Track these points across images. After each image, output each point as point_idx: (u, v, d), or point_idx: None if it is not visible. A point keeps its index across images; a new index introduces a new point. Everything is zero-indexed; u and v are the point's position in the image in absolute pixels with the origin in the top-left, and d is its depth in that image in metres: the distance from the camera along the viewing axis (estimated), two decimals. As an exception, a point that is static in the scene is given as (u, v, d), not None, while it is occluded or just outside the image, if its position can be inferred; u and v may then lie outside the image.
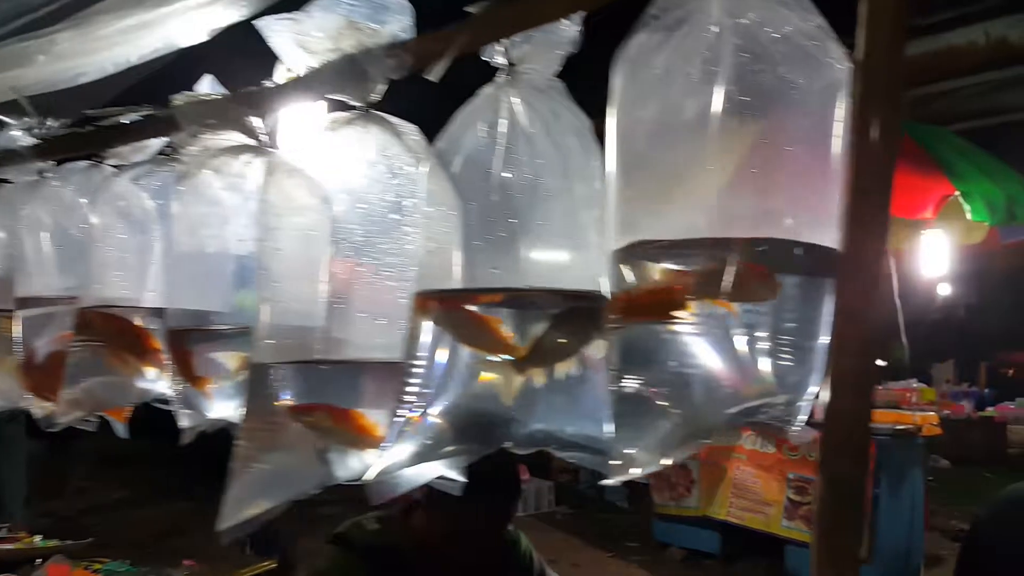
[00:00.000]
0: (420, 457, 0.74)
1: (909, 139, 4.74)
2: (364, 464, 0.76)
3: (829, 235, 0.62)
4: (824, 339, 0.64)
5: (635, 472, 0.65)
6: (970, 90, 6.67)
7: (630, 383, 0.65)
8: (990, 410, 10.06)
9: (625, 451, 0.65)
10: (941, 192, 4.31)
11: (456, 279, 0.75)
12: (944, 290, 13.66)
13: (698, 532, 5.31)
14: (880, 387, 6.84)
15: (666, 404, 0.64)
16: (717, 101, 0.61)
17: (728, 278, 0.60)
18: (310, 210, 0.81)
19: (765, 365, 0.64)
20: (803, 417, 0.66)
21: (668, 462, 0.66)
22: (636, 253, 0.65)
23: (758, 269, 0.62)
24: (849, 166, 0.61)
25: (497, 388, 0.74)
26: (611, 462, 0.66)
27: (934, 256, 5.60)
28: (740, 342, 0.64)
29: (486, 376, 0.75)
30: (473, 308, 0.74)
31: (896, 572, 4.67)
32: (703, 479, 5.29)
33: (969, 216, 4.41)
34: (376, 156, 0.78)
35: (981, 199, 4.41)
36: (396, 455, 0.74)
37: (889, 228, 0.60)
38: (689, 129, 0.62)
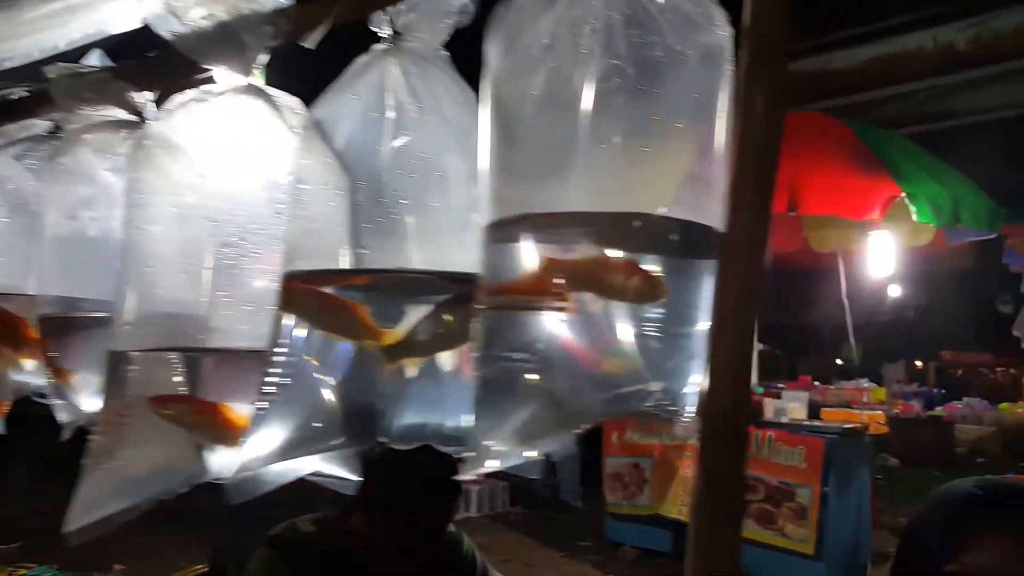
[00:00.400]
0: (286, 453, 0.69)
1: (857, 141, 4.80)
2: (235, 461, 0.71)
3: (712, 214, 0.58)
4: (705, 325, 0.61)
5: (492, 464, 0.60)
6: (921, 94, 6.81)
7: (493, 369, 0.60)
8: (939, 410, 10.25)
9: (484, 442, 0.61)
10: (888, 194, 4.36)
11: (339, 261, 0.70)
12: (895, 291, 13.95)
13: (650, 531, 5.31)
14: (832, 387, 6.91)
15: (531, 391, 0.60)
16: (597, 71, 0.57)
17: (611, 276, 0.56)
18: (182, 188, 0.75)
19: (636, 349, 0.60)
20: (690, 407, 0.62)
21: (532, 453, 0.62)
22: (507, 229, 0.61)
23: (643, 271, 0.58)
24: (734, 138, 0.57)
25: (368, 378, 0.69)
26: (465, 454, 0.61)
27: (881, 257, 5.69)
28: (610, 326, 0.60)
29: (358, 365, 0.70)
30: (331, 291, 0.68)
31: (844, 569, 4.71)
32: (655, 478, 5.29)
33: (915, 217, 4.47)
34: (249, 130, 0.73)
35: (927, 201, 4.48)
36: (258, 450, 0.68)
37: (772, 205, 0.56)
38: (566, 99, 0.58)
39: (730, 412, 0.55)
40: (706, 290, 0.59)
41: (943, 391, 11.36)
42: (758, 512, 4.77)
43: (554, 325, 0.59)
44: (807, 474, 4.61)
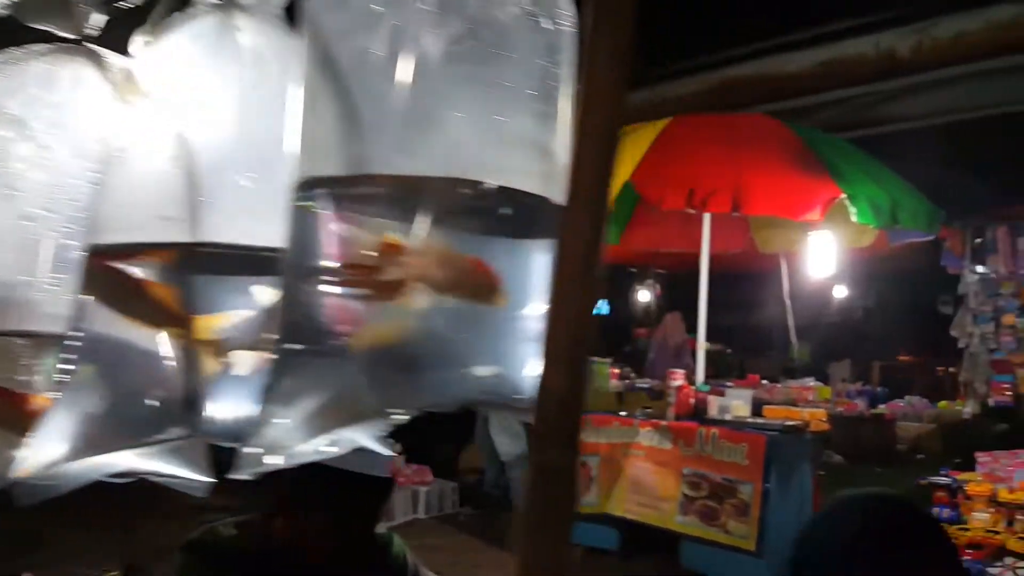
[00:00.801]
0: (82, 450, 0.62)
1: (799, 143, 4.88)
2: (27, 458, 0.64)
3: (553, 190, 0.55)
4: (540, 308, 0.57)
5: (274, 461, 0.55)
6: (861, 100, 6.97)
7: (286, 355, 0.55)
8: (882, 408, 10.47)
9: (269, 436, 0.56)
10: (828, 195, 4.44)
11: (159, 235, 0.63)
12: (841, 293, 14.26)
13: (597, 529, 5.32)
14: (779, 385, 7.03)
15: (323, 379, 0.55)
16: (436, 30, 0.54)
17: (451, 272, 0.53)
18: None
19: (447, 332, 0.57)
20: (524, 394, 0.59)
21: (331, 449, 0.57)
22: (312, 192, 0.57)
23: (484, 268, 0.54)
24: (575, 120, 0.55)
25: (173, 369, 0.63)
26: (245, 450, 0.56)
27: (822, 258, 5.80)
28: (423, 309, 0.56)
29: (166, 355, 0.63)
30: (132, 269, 0.61)
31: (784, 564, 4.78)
32: (602, 476, 5.31)
33: (854, 218, 4.55)
34: (61, 92, 0.67)
35: (866, 202, 4.57)
36: (51, 448, 0.61)
37: (610, 192, 0.53)
38: (392, 58, 0.55)
39: (564, 402, 0.51)
40: (542, 269, 0.55)
41: (886, 390, 11.62)
42: (702, 509, 4.82)
43: (359, 308, 0.55)
44: (749, 471, 4.66)
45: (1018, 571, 4.11)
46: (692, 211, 4.42)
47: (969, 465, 5.20)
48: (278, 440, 0.55)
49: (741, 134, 4.95)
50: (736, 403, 5.35)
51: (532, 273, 0.57)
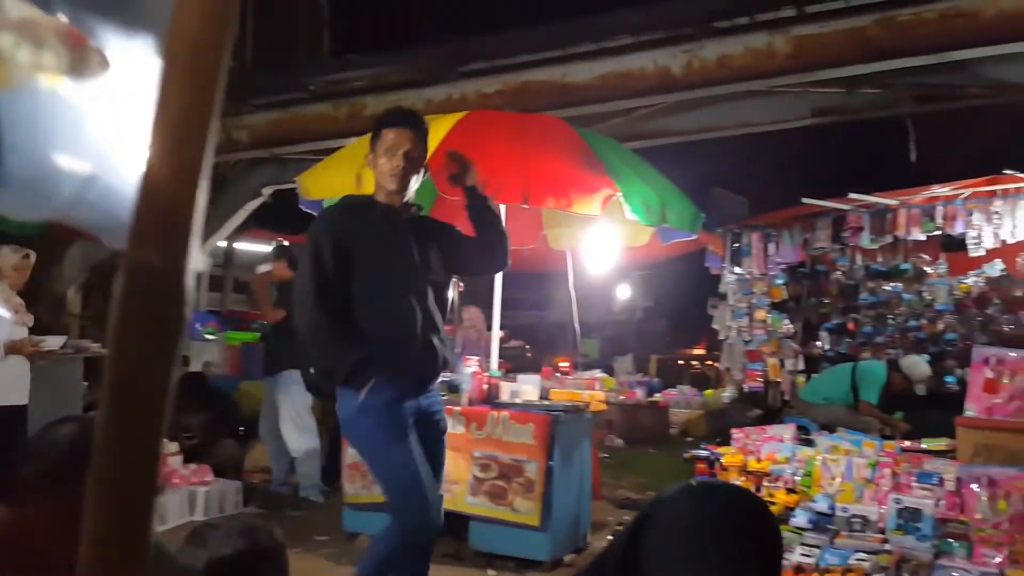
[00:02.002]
0: None
1: (582, 143, 5.23)
2: None
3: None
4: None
5: None
6: (640, 113, 7.58)
7: None
8: (658, 396, 11.50)
9: None
10: (607, 192, 4.79)
11: None
12: (625, 294, 15.38)
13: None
14: (571, 377, 7.44)
15: None
16: None
17: None
18: None
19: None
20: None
21: None
22: None
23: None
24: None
25: None
26: None
27: (603, 252, 6.26)
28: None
29: None
30: None
31: (565, 538, 5.10)
32: (396, 463, 5.36)
33: (628, 215, 4.95)
34: None
35: (639, 200, 4.98)
36: None
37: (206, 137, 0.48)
38: None
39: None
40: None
41: (662, 380, 12.77)
42: (491, 489, 5.02)
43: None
44: (535, 450, 4.93)
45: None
46: (484, 202, 4.59)
47: (727, 441, 5.83)
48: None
49: (531, 131, 5.23)
50: (526, 388, 5.63)
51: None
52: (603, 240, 6.43)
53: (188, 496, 5.76)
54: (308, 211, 5.64)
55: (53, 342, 5.50)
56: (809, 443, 5.46)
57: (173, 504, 5.58)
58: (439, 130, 4.96)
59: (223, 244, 13.05)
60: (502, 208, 5.78)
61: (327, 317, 3.14)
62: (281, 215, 10.12)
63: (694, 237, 5.82)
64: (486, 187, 4.53)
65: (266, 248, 9.18)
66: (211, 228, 9.42)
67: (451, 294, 7.60)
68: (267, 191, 9.09)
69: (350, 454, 5.53)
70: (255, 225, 10.44)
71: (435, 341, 3.32)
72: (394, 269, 3.25)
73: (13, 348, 5.06)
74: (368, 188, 4.76)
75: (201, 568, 1.55)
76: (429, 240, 3.41)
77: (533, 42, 6.92)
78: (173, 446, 5.94)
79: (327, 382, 3.37)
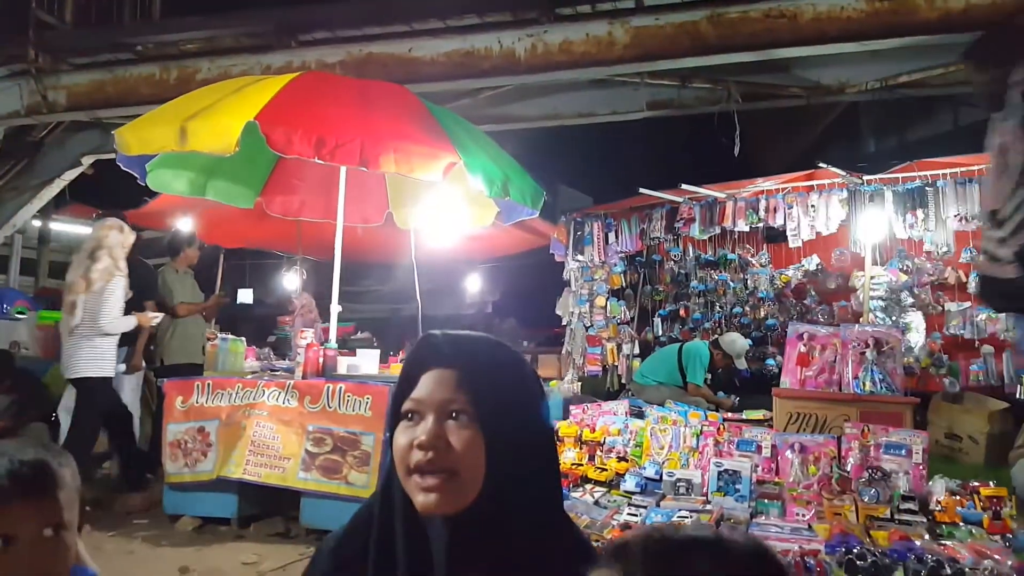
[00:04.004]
0: None
1: (426, 110, 5.16)
2: None
3: None
4: None
5: None
6: (486, 97, 7.62)
7: None
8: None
9: None
10: (449, 160, 4.72)
11: None
12: (475, 286, 15.44)
13: (213, 497, 5.04)
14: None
15: None
16: None
17: None
18: None
19: None
20: None
21: None
22: None
23: None
24: None
25: None
26: None
27: (448, 230, 6.23)
28: None
29: None
30: None
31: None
32: (221, 441, 5.05)
33: (471, 184, 4.91)
34: None
35: (481, 171, 4.95)
36: None
37: None
38: None
39: None
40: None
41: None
42: (324, 464, 4.83)
43: None
44: (372, 422, 4.79)
45: (595, 494, 4.79)
46: (320, 162, 4.41)
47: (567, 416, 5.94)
48: None
49: (372, 94, 5.09)
50: (365, 363, 5.48)
51: None
52: (448, 217, 6.40)
53: None
54: (128, 169, 5.21)
55: None
56: (640, 416, 5.66)
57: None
58: (270, 88, 4.73)
59: (37, 224, 11.90)
60: (344, 179, 5.64)
61: None
62: (102, 189, 9.36)
63: (535, 214, 5.88)
64: (322, 147, 4.37)
65: (85, 229, 8.47)
66: (23, 198, 8.54)
67: (295, 283, 7.21)
68: (87, 160, 8.35)
69: (172, 431, 5.16)
70: (73, 200, 9.59)
71: None
72: None
73: None
74: (193, 144, 4.47)
75: None
76: None
77: (379, 15, 6.78)
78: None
79: None
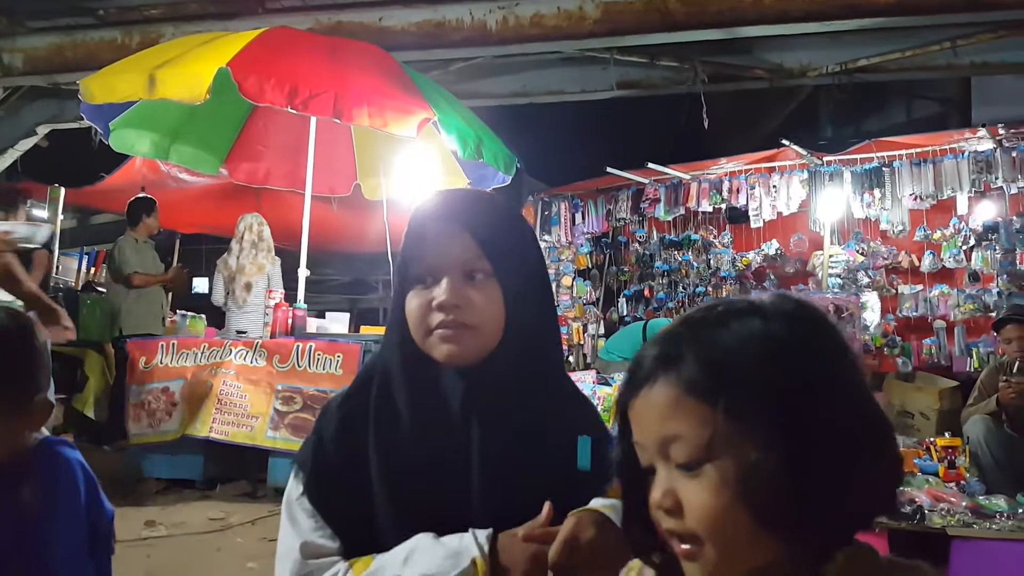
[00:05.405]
0: None
1: (399, 67, 5.14)
2: None
3: None
4: None
5: None
6: (458, 70, 7.61)
7: None
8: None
9: None
10: (423, 116, 4.72)
11: None
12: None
13: (179, 459, 4.95)
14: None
15: None
16: None
17: None
18: None
19: None
20: None
21: None
22: None
23: None
24: None
25: None
26: None
27: (419, 195, 6.18)
28: None
29: None
30: None
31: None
32: (186, 400, 4.96)
33: (445, 143, 4.92)
34: None
35: (455, 131, 4.96)
36: None
37: None
38: None
39: None
40: None
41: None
42: (293, 422, 4.78)
43: None
44: (343, 380, 4.74)
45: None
46: (292, 111, 4.36)
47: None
48: None
49: (345, 50, 5.06)
50: (335, 325, 5.43)
51: None
52: (417, 187, 6.36)
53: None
54: (91, 123, 5.09)
55: None
56: (607, 384, 5.72)
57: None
58: (240, 40, 4.66)
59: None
60: (313, 133, 5.57)
61: None
62: (58, 164, 9.10)
63: (507, 181, 5.90)
64: (295, 96, 4.33)
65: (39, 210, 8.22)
66: (-29, 169, 8.27)
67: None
68: (43, 130, 8.12)
69: (135, 392, 5.05)
70: (25, 175, 9.29)
71: None
72: None
73: None
74: (162, 91, 4.38)
75: None
76: None
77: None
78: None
79: None
